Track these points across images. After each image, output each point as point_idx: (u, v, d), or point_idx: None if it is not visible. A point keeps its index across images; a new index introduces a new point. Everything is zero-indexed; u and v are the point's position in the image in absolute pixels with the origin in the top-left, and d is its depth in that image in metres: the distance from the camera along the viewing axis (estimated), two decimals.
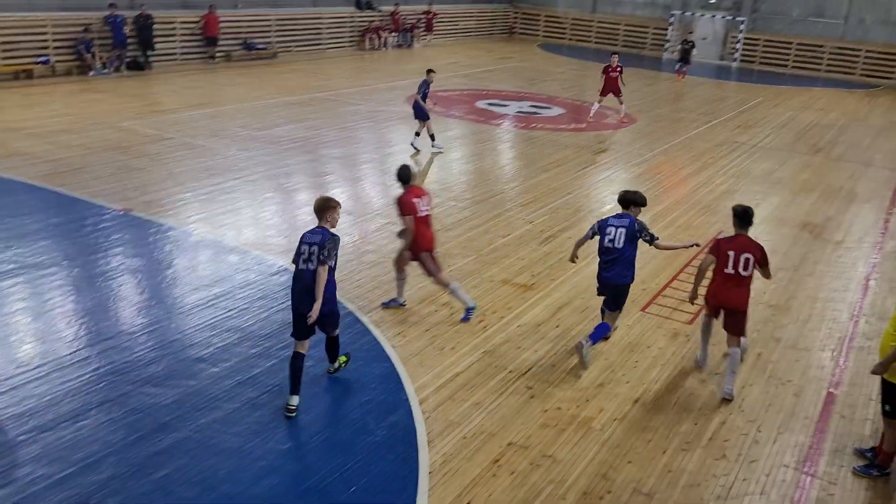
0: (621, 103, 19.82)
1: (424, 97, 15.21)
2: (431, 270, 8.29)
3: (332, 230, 6.54)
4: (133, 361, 7.16)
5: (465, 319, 8.37)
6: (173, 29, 23.33)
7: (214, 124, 16.45)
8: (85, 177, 12.27)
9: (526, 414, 6.76)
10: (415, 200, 8.07)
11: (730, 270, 7.08)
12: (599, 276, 7.73)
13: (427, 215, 8.19)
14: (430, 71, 15.33)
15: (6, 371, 6.86)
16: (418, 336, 8.01)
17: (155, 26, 22.26)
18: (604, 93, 19.56)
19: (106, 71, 21.02)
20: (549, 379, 7.35)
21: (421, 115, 15.35)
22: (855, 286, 10.15)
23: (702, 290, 7.44)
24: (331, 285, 6.48)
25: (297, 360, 6.56)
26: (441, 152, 15.56)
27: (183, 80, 21.13)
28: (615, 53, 20.35)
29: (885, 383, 6.02)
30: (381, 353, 7.65)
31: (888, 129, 21.68)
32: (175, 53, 23.54)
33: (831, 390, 7.53)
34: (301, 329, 6.51)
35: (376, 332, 8.03)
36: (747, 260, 7.05)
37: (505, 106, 21.07)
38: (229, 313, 8.21)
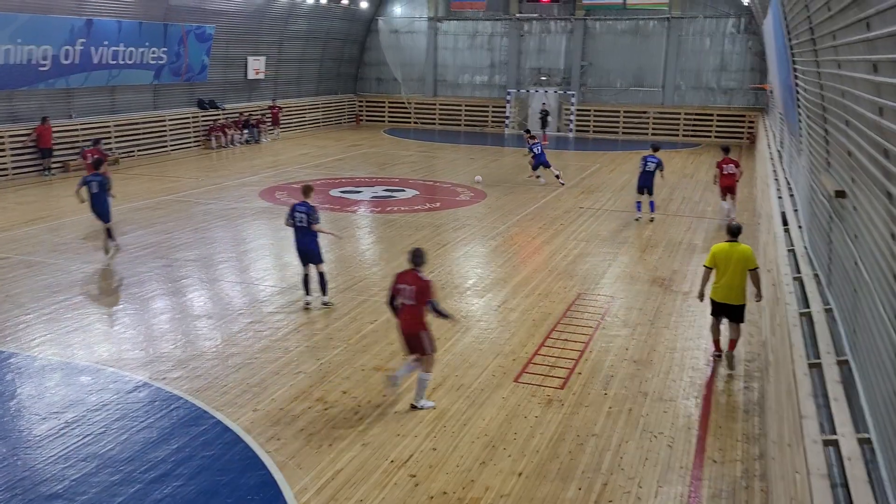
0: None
1: (537, 152, 21.63)
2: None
3: (311, 203, 11.31)
4: None
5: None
6: (2, 143, 22.09)
7: (54, 238, 15.55)
8: None
9: None
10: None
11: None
12: (643, 181, 17.45)
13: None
14: (526, 131, 23.41)
15: None
16: (293, 437, 7.71)
17: None
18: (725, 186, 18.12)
19: None
20: (431, 463, 7.24)
21: (543, 162, 21.66)
22: (707, 332, 10.74)
23: None
24: (314, 234, 11.25)
25: (306, 277, 11.50)
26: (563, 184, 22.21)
27: (16, 196, 19.93)
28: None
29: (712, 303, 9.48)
30: (256, 461, 7.28)
31: (713, 184, 23.51)
32: (6, 169, 22.24)
33: (700, 435, 7.85)
34: (304, 260, 11.40)
35: (248, 439, 7.65)
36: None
37: (359, 192, 21.27)
38: (84, 440, 7.59)
